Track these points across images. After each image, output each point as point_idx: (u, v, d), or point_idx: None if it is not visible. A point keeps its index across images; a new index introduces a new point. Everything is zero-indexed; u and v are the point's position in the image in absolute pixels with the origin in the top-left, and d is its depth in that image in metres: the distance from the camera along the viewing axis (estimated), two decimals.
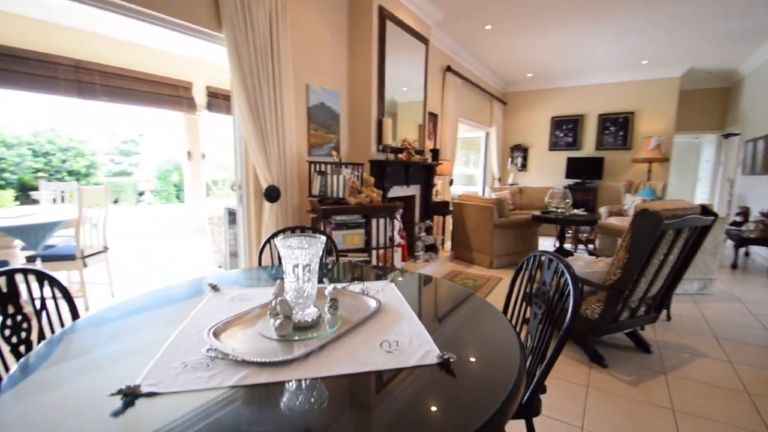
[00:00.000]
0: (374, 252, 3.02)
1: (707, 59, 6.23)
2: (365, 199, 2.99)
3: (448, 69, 5.75)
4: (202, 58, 5.87)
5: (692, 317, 3.15)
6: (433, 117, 5.61)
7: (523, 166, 8.43)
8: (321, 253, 1.17)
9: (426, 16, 4.55)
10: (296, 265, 1.14)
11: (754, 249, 5.43)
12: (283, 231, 2.10)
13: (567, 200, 4.36)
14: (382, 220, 3.05)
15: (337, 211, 2.90)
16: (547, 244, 6.06)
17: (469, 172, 9.43)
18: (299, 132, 3.29)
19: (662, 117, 6.93)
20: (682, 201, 2.32)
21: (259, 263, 1.95)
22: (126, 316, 1.23)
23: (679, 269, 2.42)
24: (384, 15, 3.80)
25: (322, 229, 2.90)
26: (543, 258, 1.48)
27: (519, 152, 8.45)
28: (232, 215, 4.10)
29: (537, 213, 4.65)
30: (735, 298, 3.62)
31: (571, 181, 7.66)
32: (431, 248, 4.88)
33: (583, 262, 2.48)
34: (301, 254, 1.12)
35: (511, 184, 8.16)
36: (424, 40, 4.61)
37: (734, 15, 4.48)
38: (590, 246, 5.86)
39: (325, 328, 1.13)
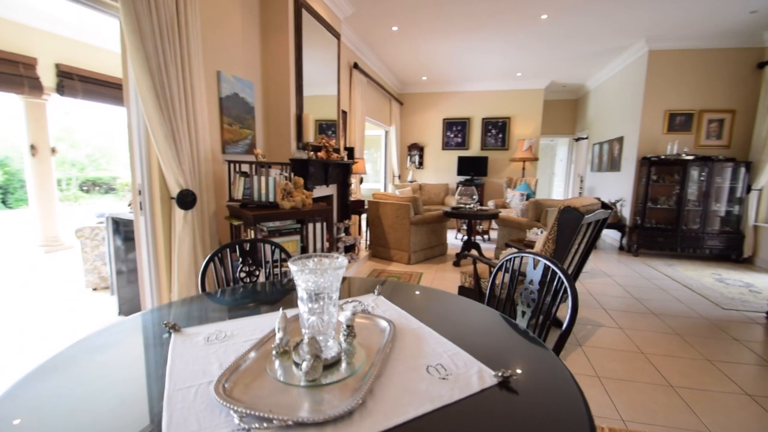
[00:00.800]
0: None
1: (564, 75, 7.50)
2: (300, 202, 2.74)
3: (355, 66, 5.70)
4: (52, 29, 4.64)
5: (581, 292, 3.75)
6: (343, 114, 5.49)
7: (420, 164, 8.93)
8: (342, 277, 0.99)
9: (338, 9, 4.41)
10: (314, 294, 0.94)
11: (605, 231, 6.79)
12: (228, 246, 1.77)
13: (474, 197, 4.75)
14: (318, 225, 2.84)
15: (270, 217, 2.59)
16: (450, 236, 6.52)
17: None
18: (212, 126, 2.84)
19: (531, 122, 8.11)
20: (589, 198, 2.72)
21: (203, 289, 1.60)
22: (70, 385, 0.86)
23: (585, 254, 2.85)
24: (299, 2, 3.54)
25: (251, 238, 2.56)
26: (526, 258, 1.54)
27: (416, 151, 8.91)
28: (116, 225, 3.36)
29: (447, 209, 4.96)
30: (604, 274, 4.46)
31: (462, 178, 8.42)
32: (350, 248, 4.79)
33: None
34: (323, 280, 0.93)
35: (411, 182, 8.56)
36: (336, 34, 4.46)
37: (588, 40, 5.46)
38: (485, 236, 6.54)
39: (343, 361, 0.97)
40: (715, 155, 5.11)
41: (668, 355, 2.53)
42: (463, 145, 8.56)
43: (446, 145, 8.68)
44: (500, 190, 8.15)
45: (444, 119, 8.59)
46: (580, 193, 8.50)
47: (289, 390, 0.85)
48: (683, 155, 5.11)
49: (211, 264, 1.66)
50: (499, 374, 0.90)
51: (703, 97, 5.22)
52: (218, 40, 2.89)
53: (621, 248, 5.82)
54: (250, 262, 1.77)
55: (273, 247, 1.84)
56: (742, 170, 4.96)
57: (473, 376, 0.91)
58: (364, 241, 5.58)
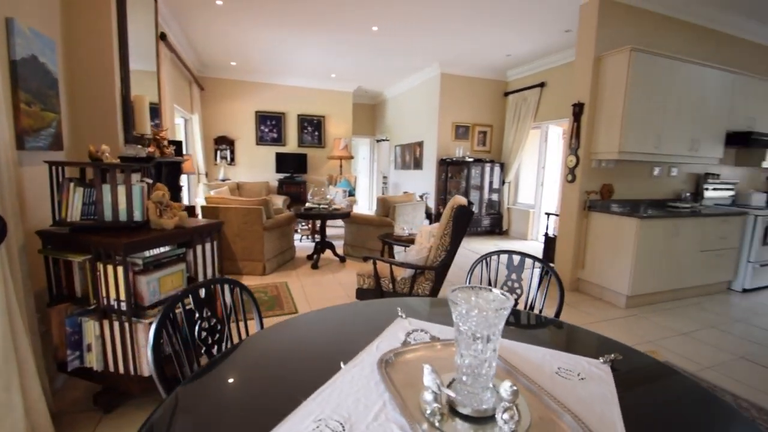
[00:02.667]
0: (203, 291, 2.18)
1: (369, 82, 8.33)
2: (184, 218, 2.07)
3: (162, 38, 4.59)
4: None
5: None
6: None
7: (232, 160, 8.06)
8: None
9: None
10: (477, 334, 0.83)
11: None
12: (181, 297, 1.21)
13: (328, 196, 4.74)
14: (208, 246, 2.22)
15: (147, 244, 1.86)
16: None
17: None
18: (6, 106, 1.77)
19: (343, 122, 8.64)
20: (462, 197, 3.23)
21: (162, 378, 1.05)
22: None
23: None
24: None
25: (115, 275, 1.77)
26: (504, 257, 1.76)
27: (225, 145, 7.97)
28: None
29: (299, 210, 4.75)
30: None
31: (282, 176, 8.14)
32: None
33: (414, 251, 2.94)
34: (493, 318, 0.83)
35: (223, 180, 7.62)
36: None
37: (398, 56, 6.28)
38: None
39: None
40: (483, 158, 6.90)
41: None
42: (279, 140, 8.25)
43: (261, 140, 8.15)
44: (323, 187, 8.36)
45: (257, 112, 8.02)
46: (384, 187, 9.74)
47: None
48: (466, 158, 6.67)
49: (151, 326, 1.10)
50: (607, 360, 1.06)
51: (474, 113, 6.94)
52: None
53: None
54: (209, 314, 1.27)
55: (231, 287, 1.38)
56: (498, 169, 6.92)
57: (592, 368, 1.04)
58: None
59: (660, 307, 3.50)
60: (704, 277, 3.74)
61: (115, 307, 1.80)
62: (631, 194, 3.97)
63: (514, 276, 1.74)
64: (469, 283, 1.82)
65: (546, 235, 4.58)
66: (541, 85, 6.11)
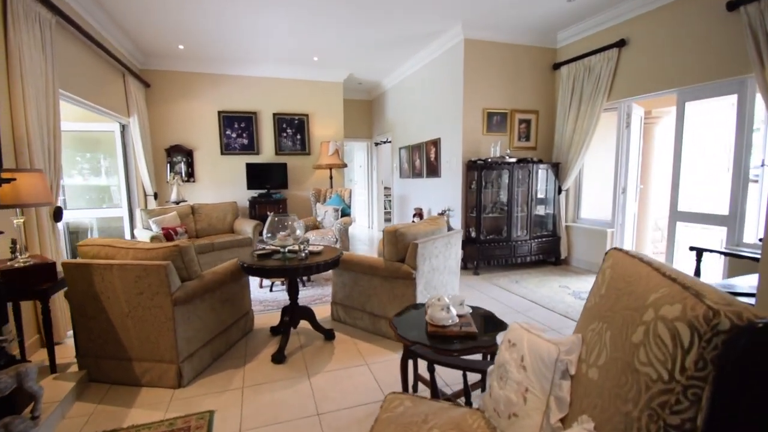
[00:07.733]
0: None
1: (363, 68, 6.39)
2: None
3: None
4: None
5: None
6: None
7: (190, 176, 6.13)
8: None
9: None
10: None
11: None
12: None
13: (298, 231, 2.75)
14: None
15: None
16: (253, 285, 4.27)
17: (97, 183, 5.90)
18: None
19: (333, 121, 6.72)
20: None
21: None
22: None
23: None
24: None
25: None
26: None
27: (181, 156, 6.06)
28: None
29: (248, 262, 2.76)
30: None
31: (255, 193, 6.22)
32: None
33: None
34: None
35: (176, 202, 5.69)
36: None
37: (400, 20, 4.35)
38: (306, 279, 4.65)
39: None
40: (529, 157, 4.92)
41: None
42: (251, 148, 6.32)
43: (227, 149, 6.23)
44: (307, 205, 6.41)
45: (220, 112, 6.11)
46: (387, 203, 7.76)
47: None
48: (507, 158, 4.69)
49: None
50: None
51: (512, 96, 4.99)
52: None
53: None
54: None
55: None
56: (551, 172, 4.94)
57: None
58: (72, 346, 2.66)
59: None
60: None
61: None
62: None
63: None
64: None
65: None
66: (620, 44, 4.15)
